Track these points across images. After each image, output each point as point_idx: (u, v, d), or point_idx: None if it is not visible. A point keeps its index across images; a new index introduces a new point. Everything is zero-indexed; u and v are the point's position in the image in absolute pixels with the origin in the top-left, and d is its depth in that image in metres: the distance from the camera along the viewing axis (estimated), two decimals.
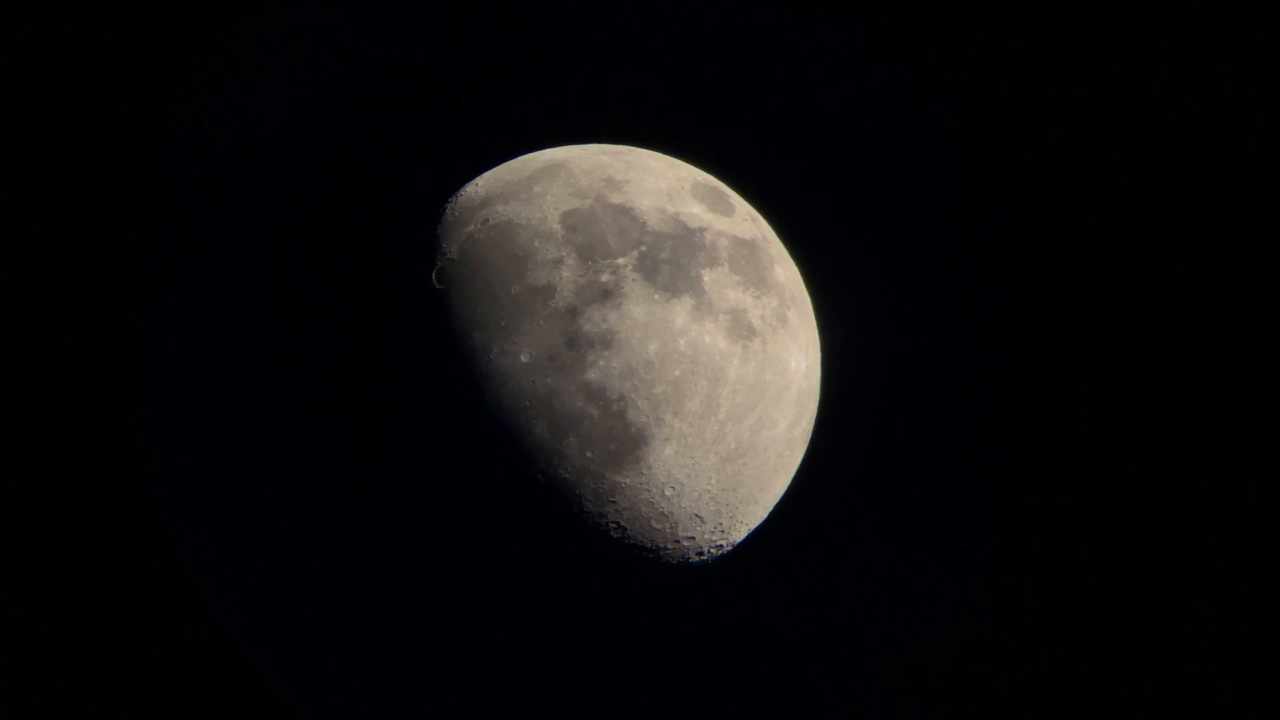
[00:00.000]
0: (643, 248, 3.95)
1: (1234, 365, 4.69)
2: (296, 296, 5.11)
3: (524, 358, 3.85)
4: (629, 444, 3.86)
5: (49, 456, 4.79)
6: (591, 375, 3.82)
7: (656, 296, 3.88)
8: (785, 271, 4.32)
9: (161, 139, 4.99)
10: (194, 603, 5.07)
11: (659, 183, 4.18)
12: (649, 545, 4.10)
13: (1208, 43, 4.53)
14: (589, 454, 3.86)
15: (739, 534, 4.33)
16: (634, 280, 3.89)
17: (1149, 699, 4.72)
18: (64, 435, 4.84)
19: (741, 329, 4.00)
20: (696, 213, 4.13)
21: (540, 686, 5.15)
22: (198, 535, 5.16)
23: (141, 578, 4.97)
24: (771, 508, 4.40)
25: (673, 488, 3.95)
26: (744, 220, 4.28)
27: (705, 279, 3.98)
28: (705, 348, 3.90)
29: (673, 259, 3.96)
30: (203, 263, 5.12)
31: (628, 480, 3.90)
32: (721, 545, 4.30)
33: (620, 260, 3.91)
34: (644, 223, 4.01)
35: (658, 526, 4.04)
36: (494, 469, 3.96)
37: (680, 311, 3.89)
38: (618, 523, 4.00)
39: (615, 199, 4.06)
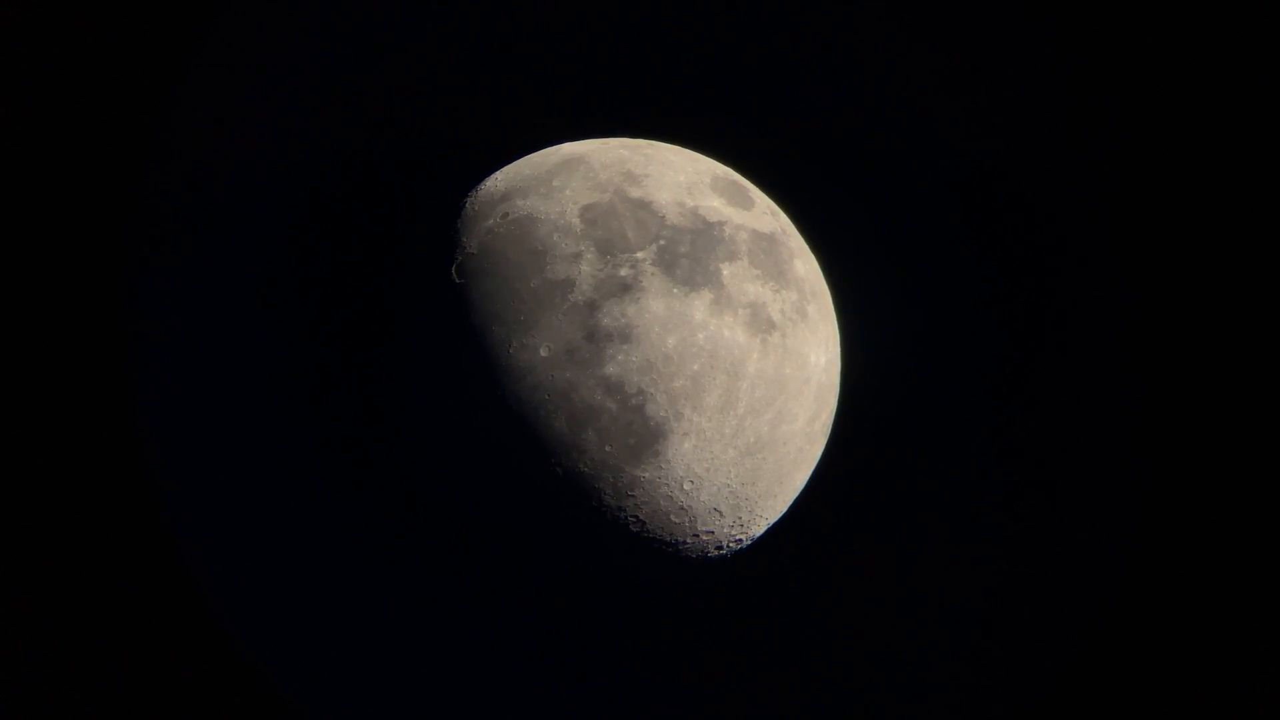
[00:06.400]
0: (662, 242, 3.95)
1: (1257, 367, 4.73)
2: (314, 291, 5.08)
3: (543, 352, 3.83)
4: (648, 438, 3.86)
5: (48, 456, 4.75)
6: (610, 369, 3.82)
7: (675, 290, 3.88)
8: (805, 265, 4.33)
9: (168, 128, 4.96)
10: (194, 603, 5.03)
11: (678, 176, 4.17)
12: (668, 539, 4.09)
13: (1243, 44, 4.57)
14: (608, 448, 3.86)
15: (758, 528, 4.33)
16: (653, 274, 3.88)
17: (1156, 707, 4.76)
18: (64, 434, 4.80)
19: (761, 323, 4.00)
20: (716, 206, 4.14)
21: (555, 682, 5.13)
22: (199, 535, 5.12)
23: (141, 578, 4.94)
24: (791, 502, 4.40)
25: (691, 482, 3.95)
26: (764, 214, 4.29)
27: (725, 273, 3.98)
28: (724, 342, 3.90)
29: (692, 253, 3.95)
30: (209, 260, 5.08)
31: (647, 474, 3.90)
32: (740, 539, 4.30)
33: (639, 254, 3.91)
34: (663, 217, 4.01)
35: (677, 521, 4.04)
36: (513, 463, 3.94)
37: (699, 305, 3.89)
38: (637, 517, 3.99)
39: (634, 193, 4.06)
